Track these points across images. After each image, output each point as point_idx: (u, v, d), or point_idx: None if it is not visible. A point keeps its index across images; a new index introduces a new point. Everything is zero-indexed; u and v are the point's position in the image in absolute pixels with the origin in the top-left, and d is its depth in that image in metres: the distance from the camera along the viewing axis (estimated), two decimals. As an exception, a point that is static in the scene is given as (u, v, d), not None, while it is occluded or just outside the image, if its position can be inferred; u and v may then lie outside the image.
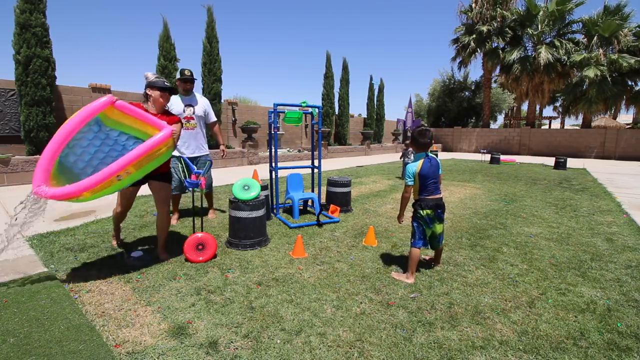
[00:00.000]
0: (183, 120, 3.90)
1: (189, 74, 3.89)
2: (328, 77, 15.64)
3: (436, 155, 13.71)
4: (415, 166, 2.65)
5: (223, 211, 4.75)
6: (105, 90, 8.95)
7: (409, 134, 21.81)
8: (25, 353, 1.73)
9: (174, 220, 4.13)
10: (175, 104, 3.86)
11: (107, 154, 2.72)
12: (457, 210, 5.08)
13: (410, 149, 11.78)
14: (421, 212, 2.68)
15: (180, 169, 3.93)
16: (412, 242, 2.74)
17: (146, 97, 2.88)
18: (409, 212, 2.89)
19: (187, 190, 4.01)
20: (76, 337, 1.86)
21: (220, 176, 8.25)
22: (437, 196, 2.70)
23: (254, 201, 3.31)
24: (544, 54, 18.65)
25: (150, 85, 2.84)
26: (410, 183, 2.68)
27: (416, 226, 2.73)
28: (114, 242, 3.33)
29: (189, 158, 3.92)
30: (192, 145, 4.01)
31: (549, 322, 2.12)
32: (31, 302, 2.23)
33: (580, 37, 20.07)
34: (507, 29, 20.54)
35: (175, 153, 3.88)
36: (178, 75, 3.91)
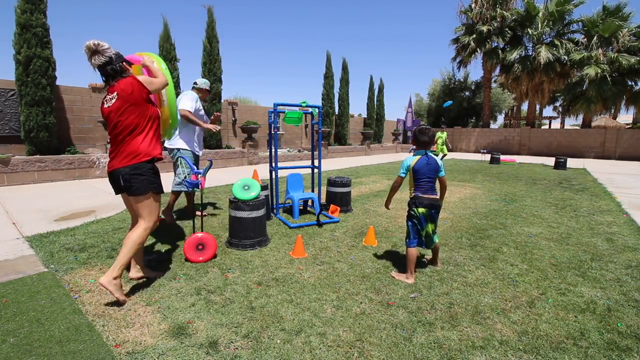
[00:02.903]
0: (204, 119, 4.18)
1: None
2: (328, 77, 15.65)
3: (436, 155, 13.87)
4: (411, 160, 2.73)
5: (219, 208, 4.75)
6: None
7: (409, 134, 21.92)
8: (25, 353, 1.73)
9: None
10: (199, 105, 4.09)
11: None
12: (457, 210, 5.08)
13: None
14: (415, 209, 2.70)
15: (185, 165, 3.93)
16: (407, 242, 2.77)
17: (123, 70, 2.31)
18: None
19: (188, 190, 4.00)
20: (76, 337, 1.86)
21: (220, 176, 8.25)
22: (432, 196, 2.72)
23: (254, 201, 3.31)
24: (544, 54, 18.65)
25: (125, 60, 2.35)
26: (401, 175, 2.78)
27: (410, 226, 2.76)
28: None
29: (197, 155, 4.13)
30: (201, 143, 4.25)
31: (549, 322, 2.12)
32: (31, 302, 2.23)
33: (580, 37, 20.09)
34: (507, 29, 20.55)
35: (188, 147, 4.00)
36: (205, 86, 4.23)
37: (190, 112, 3.87)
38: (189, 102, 3.90)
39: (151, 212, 2.34)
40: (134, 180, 2.24)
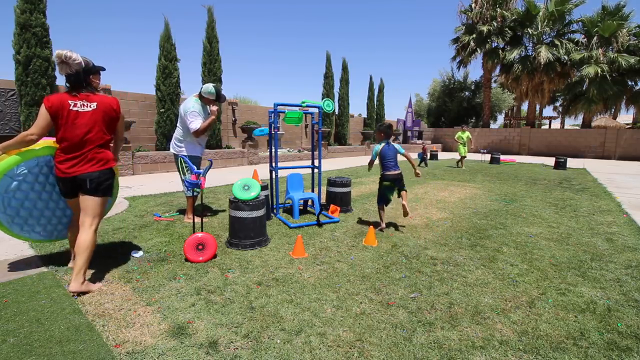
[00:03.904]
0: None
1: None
2: (328, 77, 15.66)
3: (436, 153, 14.10)
4: (378, 148, 3.97)
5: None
6: (105, 91, 8.94)
7: (409, 133, 21.92)
8: (25, 353, 1.73)
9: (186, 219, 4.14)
10: (203, 113, 3.99)
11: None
12: (457, 210, 5.08)
13: (427, 150, 12.11)
14: (382, 183, 3.99)
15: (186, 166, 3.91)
16: (377, 204, 4.09)
17: (89, 83, 2.50)
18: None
19: (187, 189, 3.99)
20: (76, 337, 1.86)
21: (220, 176, 8.25)
22: (395, 172, 3.90)
23: (254, 201, 3.31)
24: (544, 54, 18.66)
25: (97, 71, 2.55)
26: (373, 158, 4.05)
27: (379, 194, 4.05)
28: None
29: (199, 157, 4.11)
30: (204, 145, 4.28)
31: (549, 322, 2.12)
32: (31, 302, 2.23)
33: (580, 37, 20.10)
34: (507, 29, 20.55)
35: (193, 153, 4.00)
36: (211, 97, 3.99)
37: (199, 128, 3.84)
38: (196, 119, 3.82)
39: (101, 212, 2.60)
40: (103, 183, 2.52)
